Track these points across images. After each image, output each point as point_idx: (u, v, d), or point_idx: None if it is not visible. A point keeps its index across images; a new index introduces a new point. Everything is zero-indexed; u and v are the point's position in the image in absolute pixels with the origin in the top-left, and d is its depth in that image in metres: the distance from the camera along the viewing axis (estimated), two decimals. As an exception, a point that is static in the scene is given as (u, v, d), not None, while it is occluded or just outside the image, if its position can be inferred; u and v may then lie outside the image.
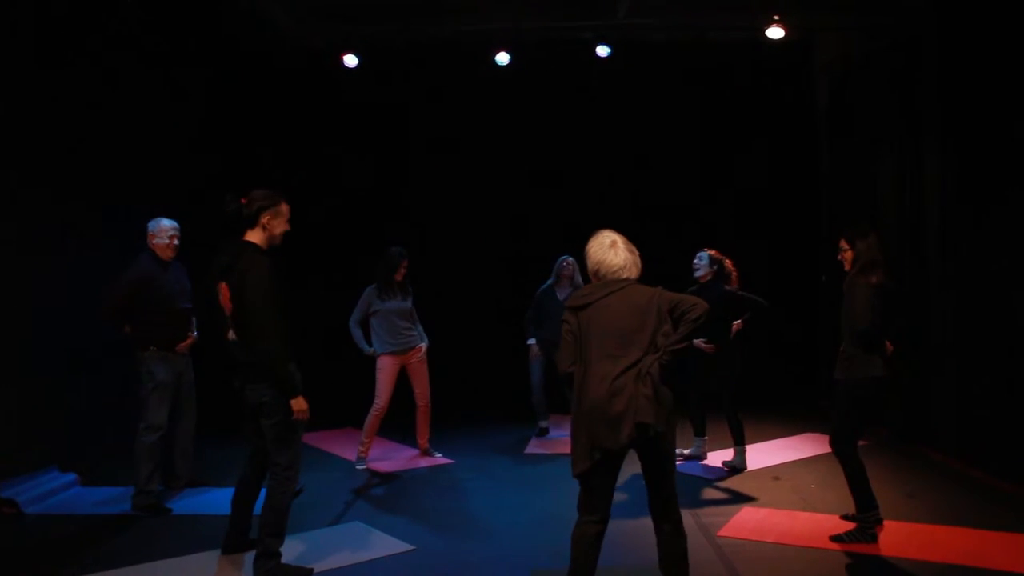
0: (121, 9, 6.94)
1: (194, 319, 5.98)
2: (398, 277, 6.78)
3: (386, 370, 6.76)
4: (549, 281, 7.79)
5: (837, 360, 5.07)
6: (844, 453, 4.97)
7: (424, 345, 6.94)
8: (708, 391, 6.64)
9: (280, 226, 4.55)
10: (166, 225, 5.86)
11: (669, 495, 3.87)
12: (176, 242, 5.87)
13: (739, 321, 6.55)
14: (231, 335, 4.47)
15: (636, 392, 3.68)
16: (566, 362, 3.89)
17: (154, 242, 5.83)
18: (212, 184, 7.74)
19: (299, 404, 4.41)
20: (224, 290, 4.42)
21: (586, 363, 3.83)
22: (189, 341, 5.93)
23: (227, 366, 4.55)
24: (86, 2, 6.62)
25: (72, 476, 6.22)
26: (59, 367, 6.29)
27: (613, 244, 3.97)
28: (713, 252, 6.57)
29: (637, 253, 4.02)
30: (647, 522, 3.98)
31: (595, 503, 3.83)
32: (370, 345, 6.79)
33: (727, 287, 6.47)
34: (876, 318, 4.84)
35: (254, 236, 4.50)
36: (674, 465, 3.93)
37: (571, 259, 7.63)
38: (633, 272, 3.95)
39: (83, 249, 6.52)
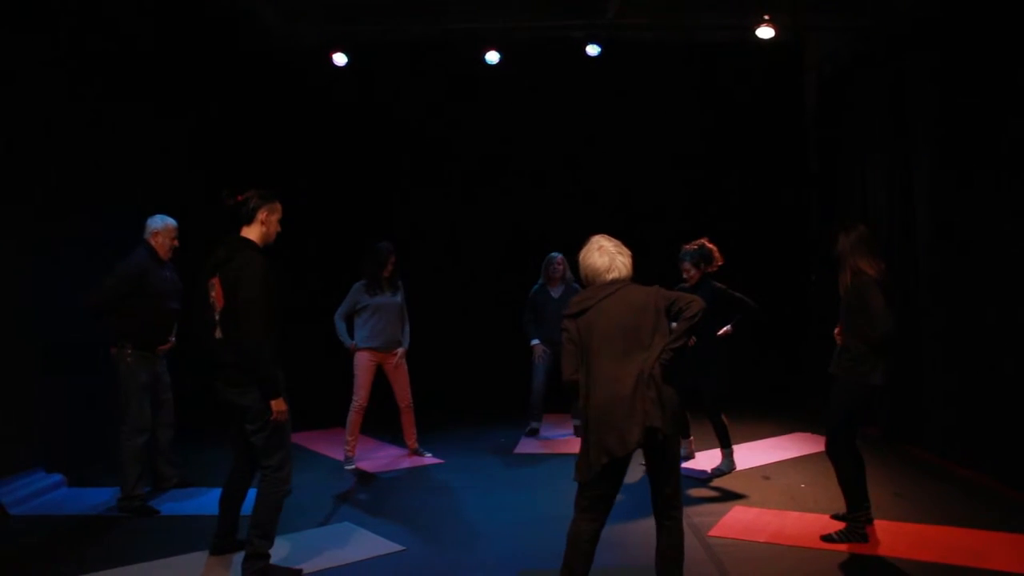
0: (107, 7, 6.88)
1: (176, 324, 5.91)
2: (386, 272, 6.73)
3: (362, 366, 6.70)
4: (540, 281, 7.78)
5: (837, 356, 5.03)
6: (837, 451, 4.97)
7: (403, 348, 6.87)
8: (691, 391, 6.52)
9: (276, 224, 4.59)
10: (172, 224, 5.83)
11: (673, 492, 3.89)
12: (176, 243, 5.84)
13: (728, 327, 6.39)
14: (218, 333, 4.41)
15: (644, 396, 3.69)
16: (569, 370, 3.89)
17: (157, 239, 5.77)
18: (202, 184, 7.71)
19: (279, 405, 4.36)
20: (217, 285, 4.38)
21: (589, 368, 3.82)
22: (168, 346, 5.87)
23: (211, 366, 4.48)
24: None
25: (58, 477, 6.16)
26: (45, 367, 6.21)
27: (600, 248, 4.01)
28: (691, 246, 6.38)
29: (628, 254, 4.04)
30: (642, 524, 3.98)
31: (595, 506, 3.85)
32: (352, 339, 6.73)
33: (717, 284, 6.35)
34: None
35: (250, 232, 4.50)
36: (678, 463, 3.95)
37: (560, 256, 7.62)
38: (622, 272, 3.96)
39: (66, 248, 6.43)
